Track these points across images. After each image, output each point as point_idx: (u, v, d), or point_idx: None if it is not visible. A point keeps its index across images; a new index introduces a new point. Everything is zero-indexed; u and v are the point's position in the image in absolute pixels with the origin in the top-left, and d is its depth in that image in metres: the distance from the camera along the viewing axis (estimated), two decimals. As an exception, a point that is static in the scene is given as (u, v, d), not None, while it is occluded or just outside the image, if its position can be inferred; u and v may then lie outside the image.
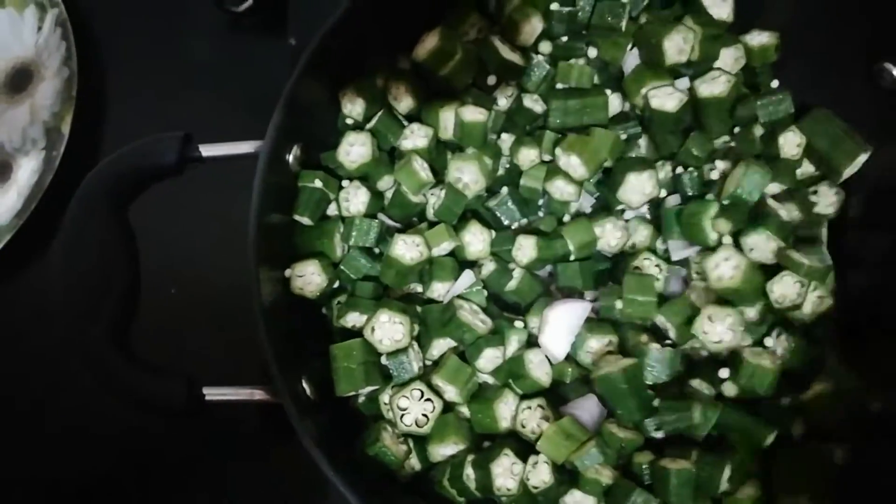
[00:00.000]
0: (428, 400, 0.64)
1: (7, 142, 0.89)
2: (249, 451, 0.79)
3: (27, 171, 0.88)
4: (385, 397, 0.66)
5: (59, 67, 0.89)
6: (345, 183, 0.72)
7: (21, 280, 0.87)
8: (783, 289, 0.64)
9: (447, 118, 0.71)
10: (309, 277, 0.67)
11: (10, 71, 0.92)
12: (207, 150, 0.64)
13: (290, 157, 0.68)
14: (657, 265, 0.69)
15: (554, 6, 0.72)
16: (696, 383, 0.65)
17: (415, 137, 0.71)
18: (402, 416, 0.64)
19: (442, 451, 0.65)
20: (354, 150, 0.71)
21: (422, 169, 0.70)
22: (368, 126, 0.73)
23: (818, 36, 0.69)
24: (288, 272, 0.67)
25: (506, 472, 0.63)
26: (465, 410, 0.67)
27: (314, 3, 0.82)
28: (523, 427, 0.64)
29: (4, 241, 0.83)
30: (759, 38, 0.71)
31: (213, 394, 0.61)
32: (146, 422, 0.75)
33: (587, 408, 0.63)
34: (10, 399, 0.85)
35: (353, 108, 0.73)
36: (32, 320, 0.86)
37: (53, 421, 0.83)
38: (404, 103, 0.73)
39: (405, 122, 0.73)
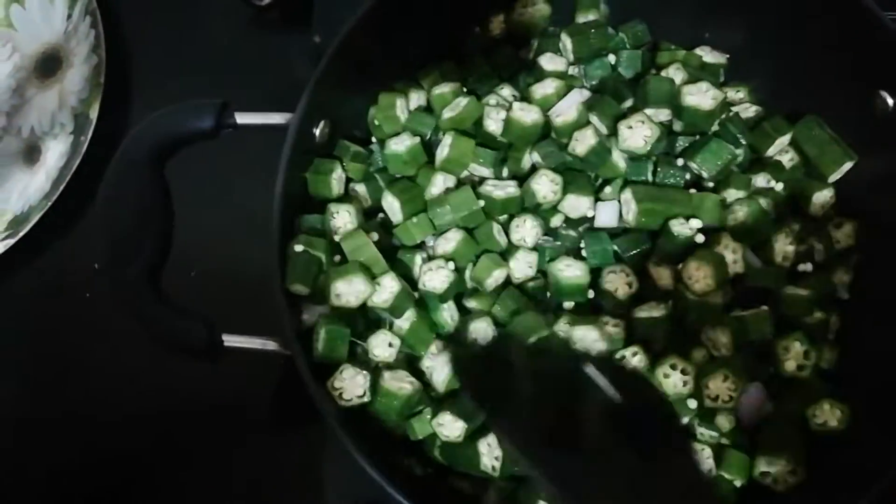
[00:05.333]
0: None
1: (37, 125, 0.92)
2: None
3: (55, 154, 0.91)
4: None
5: (88, 55, 0.91)
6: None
7: (48, 258, 0.90)
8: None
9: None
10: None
11: (40, 57, 0.95)
12: (242, 118, 0.68)
13: (317, 132, 0.71)
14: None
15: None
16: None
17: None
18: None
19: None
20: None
21: None
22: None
23: (816, 58, 0.72)
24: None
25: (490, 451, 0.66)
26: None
27: (339, -1, 0.85)
28: None
29: (33, 222, 0.86)
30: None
31: (230, 340, 0.65)
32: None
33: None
34: (36, 379, 0.88)
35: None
36: (57, 298, 0.89)
37: (87, 393, 0.86)
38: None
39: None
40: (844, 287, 0.72)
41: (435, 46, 0.77)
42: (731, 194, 0.70)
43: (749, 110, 0.74)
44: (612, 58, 0.76)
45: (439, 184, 0.71)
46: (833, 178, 0.72)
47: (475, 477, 0.67)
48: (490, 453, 0.66)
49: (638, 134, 0.69)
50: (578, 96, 0.73)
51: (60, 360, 0.88)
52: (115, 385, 0.85)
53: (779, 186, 0.72)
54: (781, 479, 0.64)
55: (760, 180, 0.72)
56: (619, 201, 0.71)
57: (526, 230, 0.71)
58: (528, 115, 0.71)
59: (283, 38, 0.96)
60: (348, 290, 0.67)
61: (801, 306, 0.68)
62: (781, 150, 0.73)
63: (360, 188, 0.74)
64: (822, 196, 0.72)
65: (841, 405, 0.65)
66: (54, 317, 0.89)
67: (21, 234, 0.85)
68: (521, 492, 0.66)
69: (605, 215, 0.71)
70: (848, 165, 0.71)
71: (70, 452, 0.84)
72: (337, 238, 0.69)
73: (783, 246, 0.69)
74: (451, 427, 0.65)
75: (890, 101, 0.67)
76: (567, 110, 0.71)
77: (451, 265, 0.69)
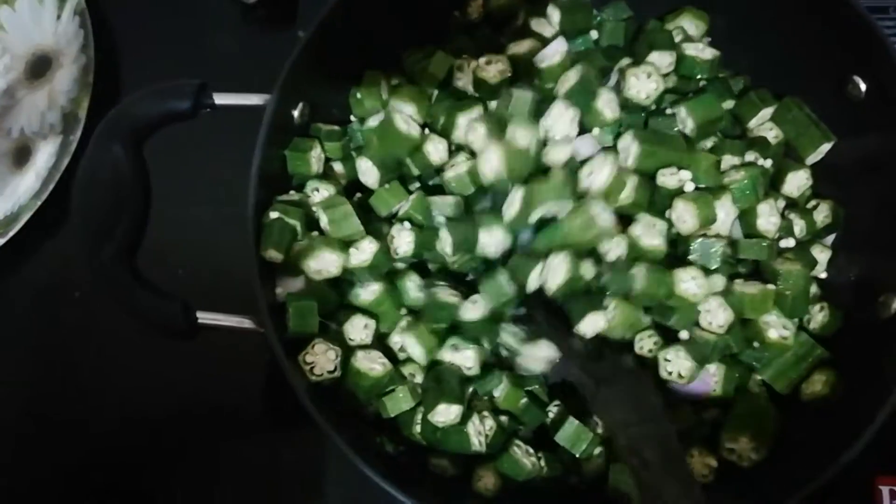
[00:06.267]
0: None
1: (26, 126, 0.92)
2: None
3: (45, 154, 0.91)
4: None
5: (77, 55, 0.92)
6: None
7: (38, 258, 0.90)
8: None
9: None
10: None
11: (30, 58, 0.96)
12: (220, 99, 0.68)
13: (296, 113, 0.71)
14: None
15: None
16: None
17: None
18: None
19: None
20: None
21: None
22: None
23: (794, 43, 0.72)
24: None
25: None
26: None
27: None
28: None
29: (23, 222, 0.86)
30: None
31: (206, 318, 0.65)
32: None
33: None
34: (27, 378, 0.88)
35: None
36: (48, 296, 0.90)
37: (77, 391, 0.87)
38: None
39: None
40: (822, 265, 0.71)
41: (414, 31, 0.77)
42: (727, 160, 0.70)
43: (738, 82, 0.75)
44: (594, 34, 0.76)
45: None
46: (811, 159, 0.72)
47: (456, 455, 0.66)
48: (476, 433, 0.66)
49: (644, 85, 0.70)
50: (563, 44, 0.72)
51: (52, 358, 0.88)
52: (105, 384, 0.85)
53: (767, 163, 0.72)
54: (745, 456, 0.64)
55: (748, 157, 0.72)
56: (617, 147, 0.70)
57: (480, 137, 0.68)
58: (494, 66, 0.71)
59: (270, 35, 0.96)
60: (323, 264, 0.67)
61: (787, 279, 0.67)
62: (764, 123, 0.73)
63: (338, 166, 0.74)
64: (798, 177, 0.71)
65: (830, 371, 0.65)
66: (43, 315, 0.89)
67: (11, 233, 0.86)
68: (503, 461, 0.66)
69: (583, 147, 0.70)
70: (826, 147, 0.71)
71: (62, 451, 0.84)
72: (315, 208, 0.69)
73: (767, 218, 0.69)
74: (446, 413, 0.64)
75: (862, 87, 0.68)
76: (552, 56, 0.71)
77: (408, 224, 0.69)
